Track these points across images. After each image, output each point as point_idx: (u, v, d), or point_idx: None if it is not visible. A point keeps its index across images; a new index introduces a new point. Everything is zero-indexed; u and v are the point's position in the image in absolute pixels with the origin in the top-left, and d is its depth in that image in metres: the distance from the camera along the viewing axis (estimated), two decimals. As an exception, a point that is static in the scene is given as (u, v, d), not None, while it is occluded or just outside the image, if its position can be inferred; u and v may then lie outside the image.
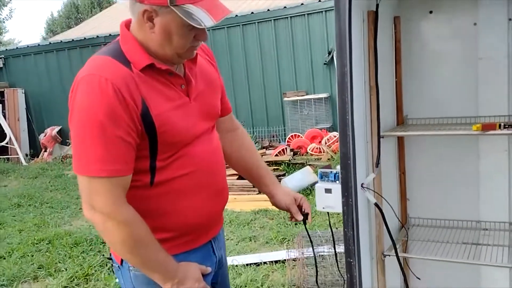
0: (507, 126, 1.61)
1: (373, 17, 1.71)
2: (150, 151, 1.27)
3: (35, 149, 10.47)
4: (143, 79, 1.24)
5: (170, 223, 1.35)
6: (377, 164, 1.72)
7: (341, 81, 1.55)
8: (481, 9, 1.91)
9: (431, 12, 2.02)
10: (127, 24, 1.32)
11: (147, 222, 1.28)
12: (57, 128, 10.16)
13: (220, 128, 1.59)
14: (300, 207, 1.63)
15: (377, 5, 1.72)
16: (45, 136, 10.05)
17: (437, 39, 2.03)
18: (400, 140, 2.10)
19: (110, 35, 9.84)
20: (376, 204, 1.67)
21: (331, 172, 1.65)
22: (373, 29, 1.72)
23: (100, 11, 26.11)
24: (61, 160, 9.28)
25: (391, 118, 2.07)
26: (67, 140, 10.11)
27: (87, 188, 1.22)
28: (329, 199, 1.65)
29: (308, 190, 5.54)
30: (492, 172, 1.98)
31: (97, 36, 10.03)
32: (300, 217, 1.61)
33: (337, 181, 1.62)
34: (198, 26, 1.19)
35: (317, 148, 7.36)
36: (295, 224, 4.55)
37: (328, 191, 1.65)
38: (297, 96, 8.41)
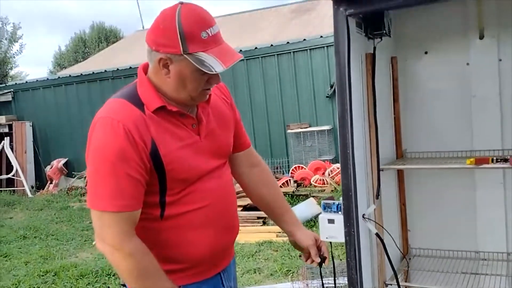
0: (499, 160, 1.71)
1: (371, 59, 1.84)
2: (160, 187, 1.34)
3: (41, 181, 10.56)
4: (154, 120, 1.32)
5: (180, 255, 1.41)
6: (377, 195, 1.81)
7: (342, 118, 1.67)
8: (472, 50, 2.04)
9: (426, 52, 2.15)
10: (144, 68, 1.41)
11: (157, 253, 1.34)
12: (63, 160, 10.29)
13: (239, 162, 1.64)
14: (319, 249, 1.63)
15: (374, 48, 1.86)
16: (51, 168, 10.16)
17: (432, 78, 2.16)
18: (400, 173, 2.20)
19: (117, 69, 10.11)
20: (377, 234, 1.74)
21: (334, 203, 1.73)
22: (371, 70, 1.85)
23: (107, 45, 26.73)
24: (67, 192, 9.34)
25: (391, 152, 2.18)
26: (73, 172, 10.23)
27: (98, 222, 1.30)
28: (332, 229, 1.73)
29: (312, 222, 5.57)
30: (488, 204, 2.06)
31: (105, 71, 10.29)
32: (318, 260, 1.61)
33: (340, 212, 1.70)
34: (209, 72, 1.28)
35: (320, 180, 7.43)
36: (299, 256, 4.59)
37: (331, 221, 1.73)
38: (300, 128, 8.55)
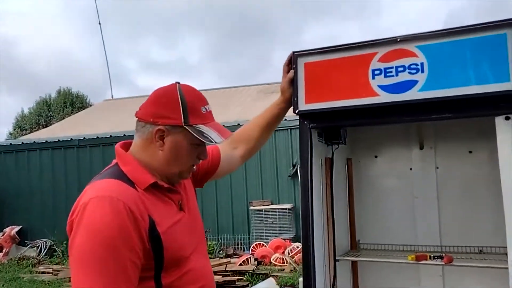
0: (436, 257, 1.99)
1: (329, 163, 2.15)
2: (155, 270, 1.25)
3: (-10, 248, 10.07)
4: (147, 197, 1.27)
5: None
6: (333, 285, 2.02)
7: (304, 213, 1.92)
8: (414, 158, 2.40)
9: (376, 156, 2.50)
10: (123, 146, 1.40)
11: None
12: (16, 228, 9.92)
13: (228, 156, 1.78)
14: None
15: (333, 153, 2.17)
16: (3, 235, 9.76)
17: (381, 179, 2.48)
18: (354, 262, 2.43)
19: (84, 138, 10.21)
20: (333, 322, 1.94)
21: (295, 291, 1.92)
22: (329, 171, 2.15)
23: (72, 110, 26.67)
24: (17, 262, 8.93)
25: (346, 242, 2.43)
26: (26, 241, 9.85)
27: None
28: (293, 316, 1.90)
29: (271, 303, 5.61)
30: (430, 294, 2.31)
31: (71, 139, 10.35)
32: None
33: (300, 300, 1.89)
34: (208, 143, 1.34)
35: (280, 259, 7.53)
36: None
37: (292, 308, 1.91)
38: (263, 205, 8.77)
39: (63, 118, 19.90)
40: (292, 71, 1.89)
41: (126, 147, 1.41)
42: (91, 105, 24.28)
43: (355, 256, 2.27)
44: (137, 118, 1.38)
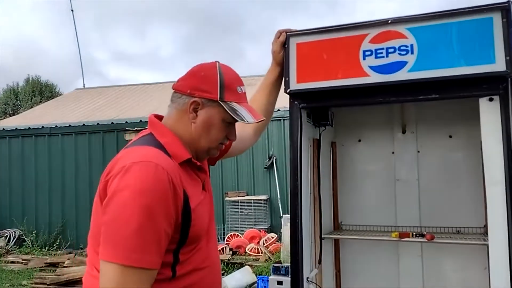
0: (418, 235, 2.08)
1: (317, 143, 2.20)
2: (178, 244, 1.25)
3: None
4: (182, 172, 1.28)
5: None
6: (320, 261, 2.07)
7: (293, 191, 1.96)
8: (396, 142, 2.48)
9: (359, 140, 2.56)
10: (157, 117, 1.41)
11: None
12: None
13: (245, 128, 1.77)
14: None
15: (320, 135, 2.22)
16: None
17: (364, 162, 2.55)
18: (336, 242, 2.50)
19: (56, 126, 9.97)
20: (318, 296, 1.99)
21: (282, 266, 1.97)
22: (317, 152, 2.20)
23: (41, 100, 25.91)
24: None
25: (330, 224, 2.49)
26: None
27: (116, 278, 1.11)
28: (280, 290, 1.96)
29: (247, 292, 5.66)
30: (409, 272, 2.40)
31: (42, 127, 10.08)
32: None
33: (288, 275, 1.94)
34: (240, 121, 1.35)
35: (255, 249, 7.59)
36: None
37: (279, 283, 1.96)
38: (238, 196, 8.80)
39: (32, 107, 19.31)
40: (283, 34, 1.91)
41: (159, 118, 1.42)
42: (60, 95, 23.65)
43: (338, 234, 2.33)
44: (173, 90, 1.40)
